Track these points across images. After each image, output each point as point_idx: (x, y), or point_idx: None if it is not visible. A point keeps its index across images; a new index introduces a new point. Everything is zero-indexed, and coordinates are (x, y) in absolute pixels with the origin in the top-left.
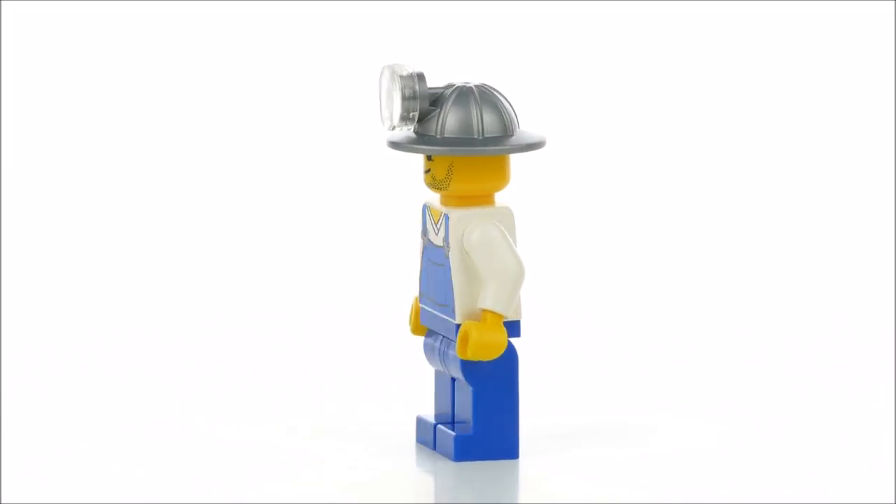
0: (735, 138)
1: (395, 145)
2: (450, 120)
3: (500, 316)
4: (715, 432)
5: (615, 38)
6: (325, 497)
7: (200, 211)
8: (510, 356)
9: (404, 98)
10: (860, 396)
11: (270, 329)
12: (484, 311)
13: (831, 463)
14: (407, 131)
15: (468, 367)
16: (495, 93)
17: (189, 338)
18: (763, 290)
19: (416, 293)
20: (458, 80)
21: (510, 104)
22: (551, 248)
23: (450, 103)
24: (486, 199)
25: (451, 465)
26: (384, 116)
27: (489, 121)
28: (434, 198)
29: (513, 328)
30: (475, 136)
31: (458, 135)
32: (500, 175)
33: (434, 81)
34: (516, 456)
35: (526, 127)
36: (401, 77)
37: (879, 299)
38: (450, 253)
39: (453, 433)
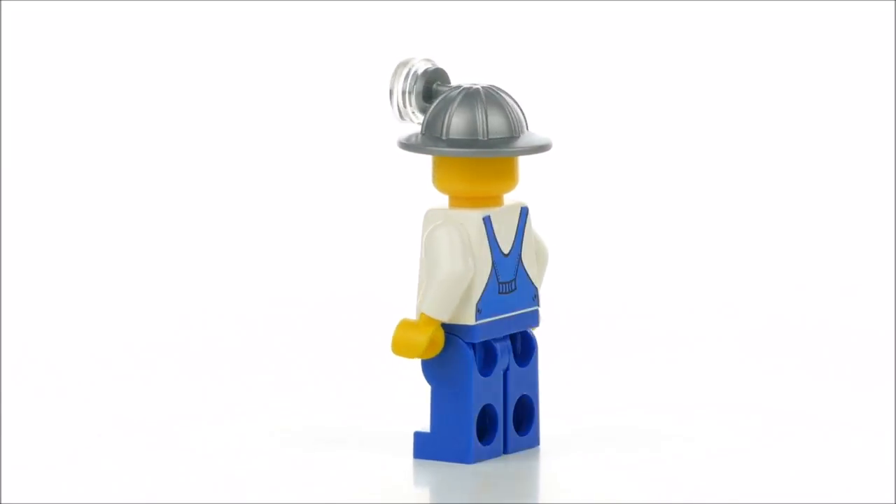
0: (738, 140)
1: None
2: (428, 119)
3: (431, 319)
4: (711, 433)
5: (617, 40)
6: (315, 497)
7: (209, 214)
8: (463, 359)
9: (401, 92)
10: (863, 397)
11: (271, 330)
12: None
13: (831, 463)
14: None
15: (426, 365)
16: (481, 96)
17: (191, 340)
18: (768, 291)
19: None
20: (472, 82)
21: (495, 109)
22: (558, 247)
23: (435, 104)
24: (486, 201)
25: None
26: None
27: (456, 123)
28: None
29: (468, 333)
30: (441, 137)
31: (433, 134)
32: (471, 177)
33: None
34: (471, 460)
35: (535, 130)
36: (399, 72)
37: (881, 299)
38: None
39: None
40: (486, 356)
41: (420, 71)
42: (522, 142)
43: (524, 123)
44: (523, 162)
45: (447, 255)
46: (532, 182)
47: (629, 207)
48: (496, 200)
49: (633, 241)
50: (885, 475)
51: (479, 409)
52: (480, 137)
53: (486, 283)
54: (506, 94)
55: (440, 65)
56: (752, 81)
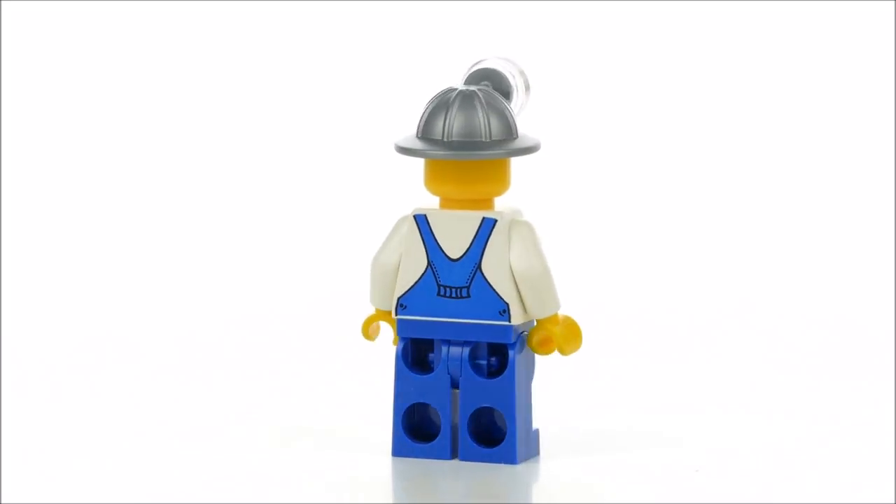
0: (736, 142)
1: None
2: (419, 120)
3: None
4: (709, 433)
5: (614, 40)
6: (309, 497)
7: (208, 215)
8: (396, 351)
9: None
10: (863, 397)
11: (269, 331)
12: None
13: (832, 463)
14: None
15: None
16: (470, 98)
17: (188, 340)
18: (763, 291)
19: None
20: (461, 85)
21: (485, 111)
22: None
23: (426, 104)
24: (476, 204)
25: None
26: None
27: (443, 125)
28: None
29: (398, 326)
30: (427, 138)
31: (420, 135)
32: (450, 179)
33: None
34: (392, 453)
35: (528, 133)
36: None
37: (881, 299)
38: None
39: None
40: (436, 356)
41: (480, 67)
42: (508, 145)
43: (513, 127)
44: (517, 165)
45: (386, 245)
46: (526, 184)
47: (623, 210)
48: (484, 204)
49: (627, 244)
50: (885, 475)
51: (407, 404)
52: (417, 137)
53: (416, 282)
54: (495, 96)
55: (508, 71)
56: (749, 83)
